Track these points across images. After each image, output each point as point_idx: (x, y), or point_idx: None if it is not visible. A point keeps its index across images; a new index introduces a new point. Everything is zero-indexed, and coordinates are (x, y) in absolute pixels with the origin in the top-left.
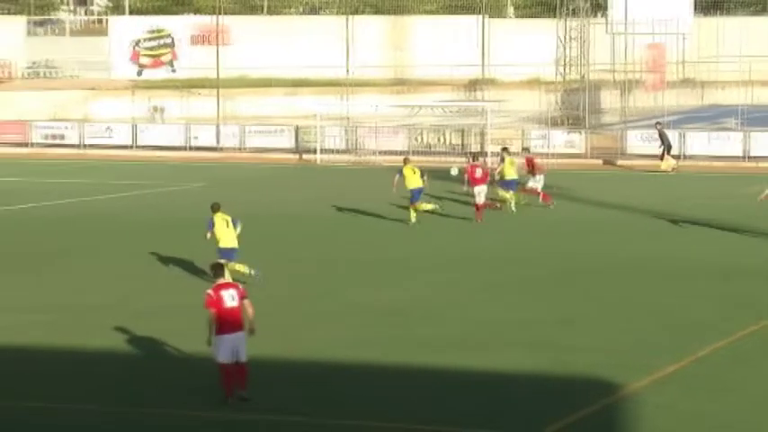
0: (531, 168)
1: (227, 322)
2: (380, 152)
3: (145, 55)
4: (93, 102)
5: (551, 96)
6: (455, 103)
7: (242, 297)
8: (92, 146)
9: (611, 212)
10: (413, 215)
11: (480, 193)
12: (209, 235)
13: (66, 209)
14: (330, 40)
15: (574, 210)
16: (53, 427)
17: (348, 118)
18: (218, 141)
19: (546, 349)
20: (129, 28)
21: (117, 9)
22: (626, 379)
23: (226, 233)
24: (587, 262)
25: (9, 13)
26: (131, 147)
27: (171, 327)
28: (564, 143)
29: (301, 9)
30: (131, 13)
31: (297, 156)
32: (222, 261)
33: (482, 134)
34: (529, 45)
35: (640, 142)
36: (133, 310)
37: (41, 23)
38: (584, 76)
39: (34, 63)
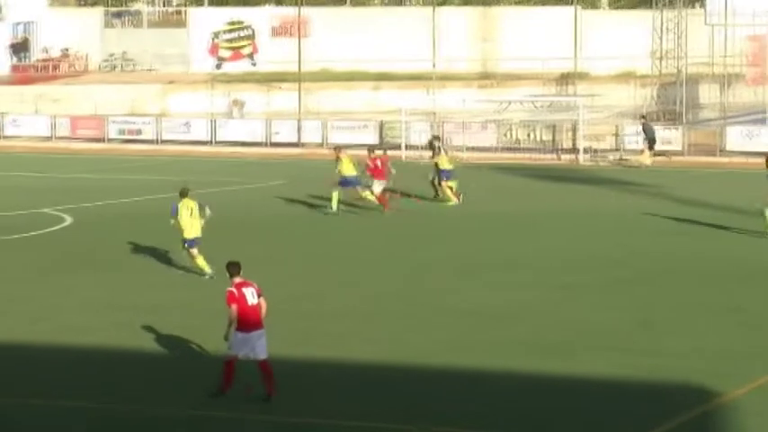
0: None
1: (249, 320)
2: (468, 148)
3: (224, 47)
4: (170, 96)
5: (646, 91)
6: (546, 97)
7: (259, 295)
8: (169, 141)
9: (698, 211)
10: (335, 202)
11: (379, 184)
12: (172, 221)
13: (140, 206)
14: (415, 32)
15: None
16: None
17: (434, 113)
18: (299, 137)
19: (632, 354)
20: (208, 19)
21: (196, 0)
22: (720, 385)
23: (188, 222)
24: (670, 262)
25: (86, 5)
26: (209, 142)
27: None
28: (660, 139)
29: (386, 0)
30: (211, 4)
31: (381, 152)
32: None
33: (574, 130)
34: (623, 37)
35: (741, 138)
36: (203, 310)
37: (118, 15)
38: (680, 70)
39: (111, 56)
